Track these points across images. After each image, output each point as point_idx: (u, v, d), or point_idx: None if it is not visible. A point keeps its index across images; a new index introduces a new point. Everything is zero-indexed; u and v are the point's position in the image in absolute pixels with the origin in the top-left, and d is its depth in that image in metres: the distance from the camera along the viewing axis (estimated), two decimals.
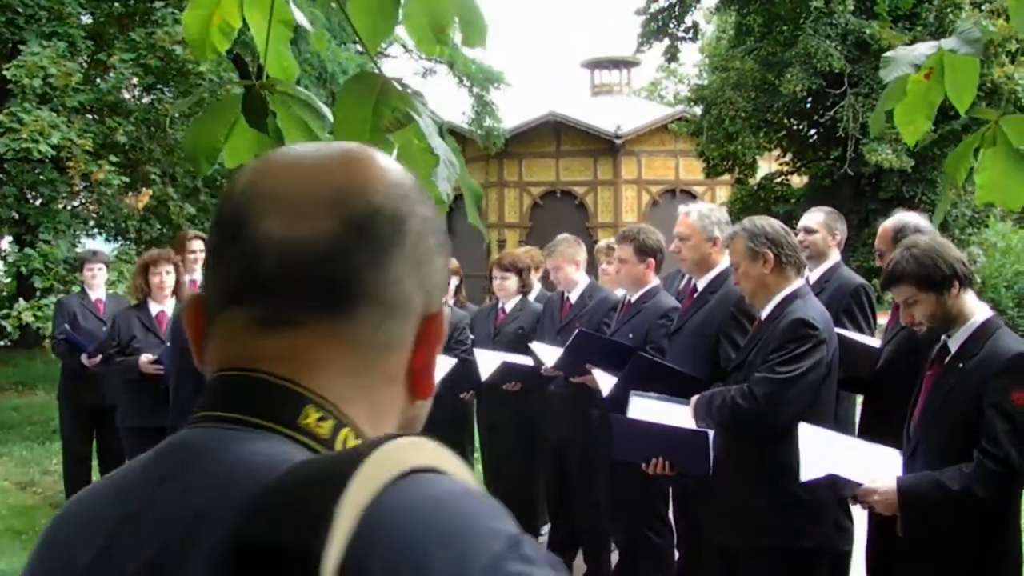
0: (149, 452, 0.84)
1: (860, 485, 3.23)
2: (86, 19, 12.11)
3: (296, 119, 1.73)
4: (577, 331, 5.02)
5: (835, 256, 5.10)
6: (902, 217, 4.50)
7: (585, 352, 4.97)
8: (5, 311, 10.40)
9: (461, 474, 0.74)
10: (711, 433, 3.79)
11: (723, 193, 22.76)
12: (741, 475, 3.68)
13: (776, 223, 3.83)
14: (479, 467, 6.87)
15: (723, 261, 4.41)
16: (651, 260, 4.95)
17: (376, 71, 1.52)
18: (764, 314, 3.71)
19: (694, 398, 3.84)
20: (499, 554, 0.63)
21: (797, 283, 3.71)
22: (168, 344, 5.72)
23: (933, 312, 3.20)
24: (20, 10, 11.17)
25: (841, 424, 4.07)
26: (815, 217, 5.07)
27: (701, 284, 4.47)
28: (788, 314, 3.57)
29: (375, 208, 0.82)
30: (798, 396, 3.48)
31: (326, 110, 1.70)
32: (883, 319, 4.91)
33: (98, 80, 12.09)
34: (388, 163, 0.87)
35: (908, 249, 3.26)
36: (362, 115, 1.50)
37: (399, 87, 1.46)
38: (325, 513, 0.63)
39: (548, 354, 5.39)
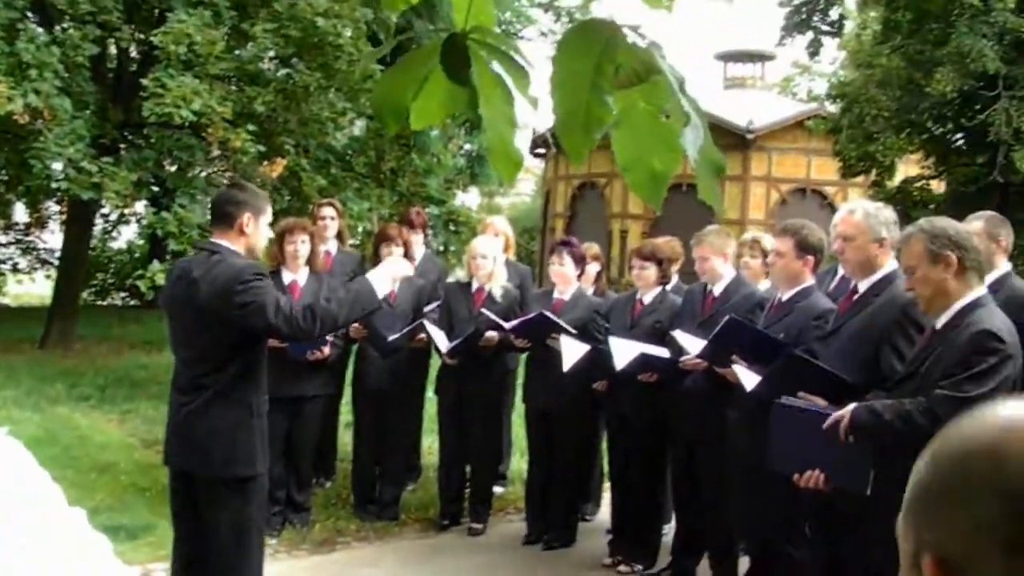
0: None
1: None
2: None
3: (494, 76, 1.56)
4: (728, 318, 4.79)
5: (1004, 265, 4.75)
6: None
7: (733, 342, 4.74)
8: (139, 272, 10.62)
9: None
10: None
11: (855, 195, 21.98)
12: (901, 497, 3.41)
13: (958, 224, 3.54)
14: (605, 461, 6.71)
15: (888, 264, 4.13)
16: (810, 258, 4.69)
17: (605, 18, 1.33)
18: (941, 323, 3.42)
19: (851, 405, 3.57)
20: None
21: (979, 291, 3.41)
22: None
23: None
24: None
25: None
26: (973, 225, 4.66)
27: (863, 287, 4.19)
28: (971, 324, 3.29)
29: None
30: None
31: (529, 67, 1.53)
32: None
33: (239, 50, 12.25)
34: None
35: None
36: (581, 71, 1.32)
37: (635, 36, 1.28)
38: None
39: (691, 343, 5.18)
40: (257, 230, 4.04)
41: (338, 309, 4.00)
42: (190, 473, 4.05)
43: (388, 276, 4.18)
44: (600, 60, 1.31)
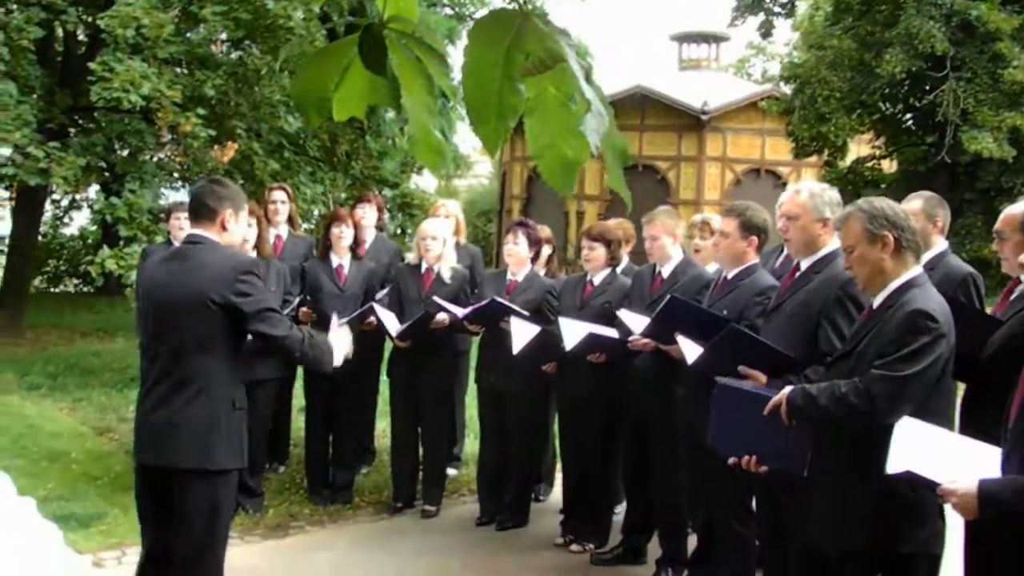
0: None
1: (938, 484, 3.02)
2: None
3: (415, 65, 1.58)
4: (669, 296, 4.86)
5: (940, 244, 4.86)
6: None
7: (676, 320, 4.80)
8: (89, 258, 10.51)
9: None
10: None
11: (809, 175, 22.22)
12: (837, 472, 3.47)
13: (896, 204, 3.59)
14: (557, 442, 6.76)
15: (831, 243, 4.20)
16: (754, 239, 4.76)
17: (513, 7, 1.35)
18: (877, 302, 3.48)
19: (786, 389, 3.61)
20: None
21: (915, 270, 3.47)
22: None
23: None
24: None
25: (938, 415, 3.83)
26: (912, 205, 4.77)
27: (805, 264, 4.25)
28: (905, 304, 3.34)
29: None
30: (915, 395, 3.26)
31: (451, 55, 1.54)
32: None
33: (188, 33, 12.11)
34: None
35: None
36: (492, 59, 1.34)
37: (542, 25, 1.30)
38: None
39: (636, 322, 5.25)
40: (237, 226, 4.11)
41: (313, 353, 4.20)
42: (167, 468, 3.97)
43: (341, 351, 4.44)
44: (511, 48, 1.33)
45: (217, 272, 3.90)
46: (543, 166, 1.39)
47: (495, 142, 1.38)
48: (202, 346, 3.92)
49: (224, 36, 12.37)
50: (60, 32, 12.71)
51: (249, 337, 4.04)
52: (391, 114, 13.87)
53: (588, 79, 1.27)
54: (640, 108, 23.49)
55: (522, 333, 5.84)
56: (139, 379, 7.33)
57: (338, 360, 4.39)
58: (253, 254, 6.17)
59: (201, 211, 4.06)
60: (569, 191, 1.45)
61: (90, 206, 19.80)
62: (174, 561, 4.02)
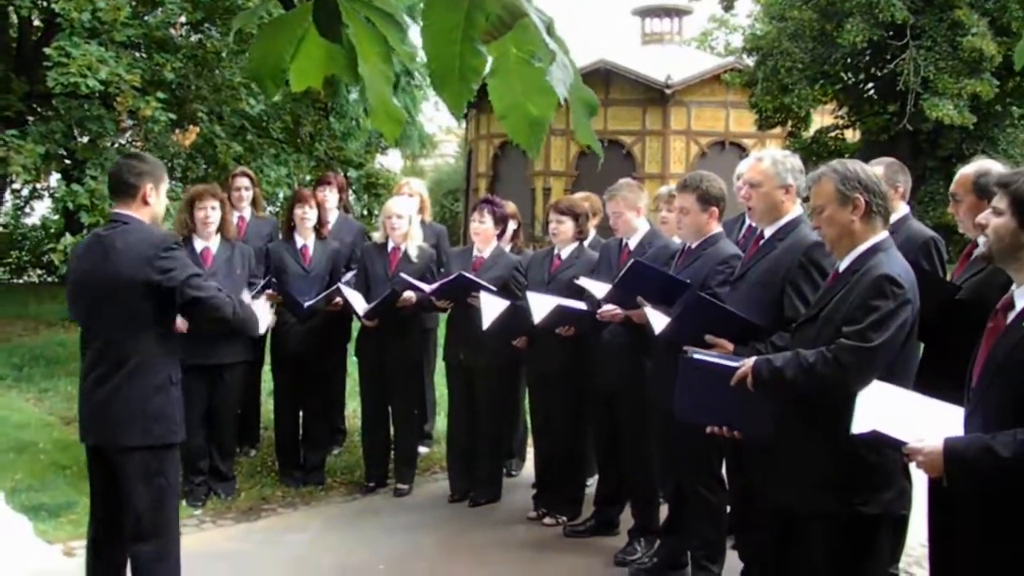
0: None
1: (905, 443, 3.04)
2: None
3: (371, 31, 1.56)
4: (632, 261, 4.89)
5: (902, 208, 4.91)
6: (984, 163, 4.27)
7: (639, 284, 4.82)
8: (52, 245, 10.37)
9: None
10: None
11: (773, 146, 22.31)
12: (804, 436, 3.50)
13: (868, 168, 3.61)
14: (527, 417, 6.77)
15: (793, 210, 4.22)
16: (714, 209, 4.78)
17: None
18: (843, 265, 3.50)
19: (750, 361, 3.62)
20: None
21: (882, 235, 3.49)
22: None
23: (1003, 235, 2.94)
24: None
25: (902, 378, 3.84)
26: (874, 171, 4.83)
27: (768, 232, 4.27)
28: (872, 268, 3.36)
29: None
30: (883, 362, 3.29)
31: (407, 20, 1.53)
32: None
33: (146, 16, 11.93)
34: None
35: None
36: (452, 23, 1.32)
37: None
38: None
39: (597, 288, 5.26)
40: (159, 199, 4.13)
41: (243, 314, 4.27)
42: (107, 447, 4.06)
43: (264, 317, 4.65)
44: (470, 10, 1.31)
45: (138, 253, 3.93)
46: (509, 126, 1.38)
47: (459, 104, 1.37)
48: (133, 327, 3.98)
49: (183, 19, 12.18)
50: (14, 18, 12.49)
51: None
52: (354, 94, 13.75)
53: (550, 32, 1.27)
54: (604, 83, 23.45)
55: (491, 308, 5.84)
56: None
57: (262, 327, 4.61)
58: (217, 237, 6.13)
59: (121, 188, 4.07)
60: (536, 149, 1.44)
61: (51, 194, 19.53)
62: (124, 536, 4.08)
